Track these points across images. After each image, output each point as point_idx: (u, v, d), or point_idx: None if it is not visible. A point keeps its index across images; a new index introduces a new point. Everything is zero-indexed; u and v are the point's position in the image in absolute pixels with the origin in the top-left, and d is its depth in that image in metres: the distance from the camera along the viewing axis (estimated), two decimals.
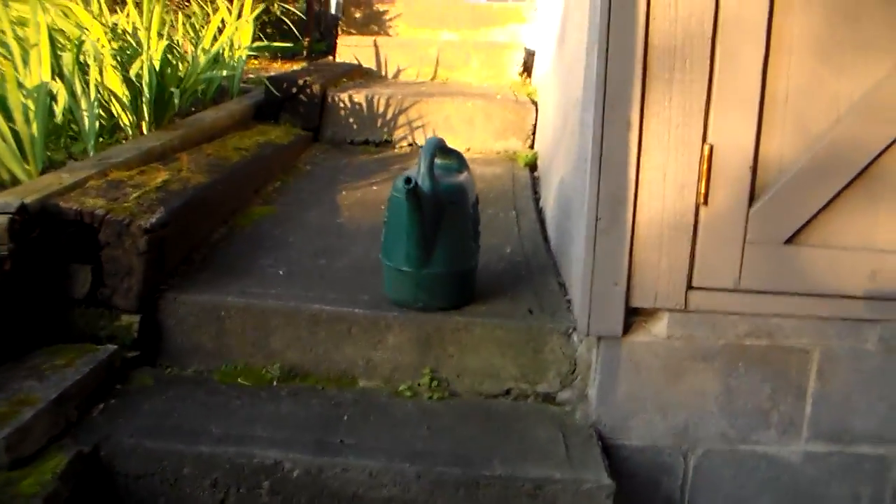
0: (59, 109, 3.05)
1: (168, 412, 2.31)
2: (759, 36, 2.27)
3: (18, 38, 3.09)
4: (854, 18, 2.28)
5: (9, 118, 2.78)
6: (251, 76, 4.66)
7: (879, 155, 2.34)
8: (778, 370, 2.45)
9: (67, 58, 3.21)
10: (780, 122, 2.32)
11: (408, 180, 2.34)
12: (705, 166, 2.31)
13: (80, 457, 2.09)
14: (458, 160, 2.64)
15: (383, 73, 5.50)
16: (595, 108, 2.30)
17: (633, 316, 2.43)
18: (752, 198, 2.35)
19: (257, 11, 4.75)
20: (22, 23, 3.27)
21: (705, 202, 2.34)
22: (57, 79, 3.12)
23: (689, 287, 2.39)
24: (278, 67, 5.43)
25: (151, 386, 2.46)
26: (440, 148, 2.54)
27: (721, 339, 2.42)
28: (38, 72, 2.97)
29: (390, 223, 2.57)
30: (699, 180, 2.32)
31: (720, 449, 2.49)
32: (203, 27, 4.53)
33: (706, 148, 2.31)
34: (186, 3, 4.90)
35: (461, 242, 2.57)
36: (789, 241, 2.38)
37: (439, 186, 2.46)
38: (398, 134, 4.46)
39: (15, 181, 2.79)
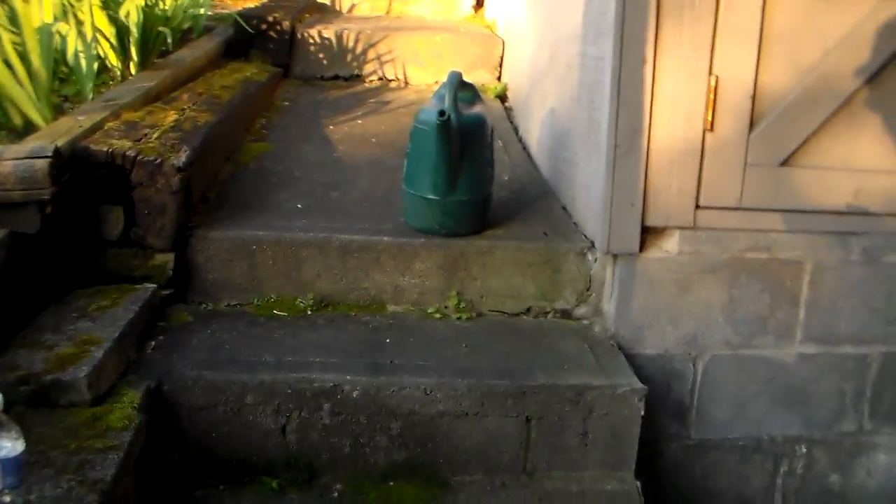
0: (70, 51, 3.06)
1: (217, 345, 2.43)
2: None
3: None
4: None
5: (23, 62, 2.80)
6: (209, 12, 4.65)
7: (862, 85, 2.58)
8: (775, 280, 2.69)
9: None
10: (776, 56, 2.54)
11: (441, 113, 2.48)
12: (712, 96, 2.52)
13: (149, 392, 2.20)
14: (472, 92, 2.77)
15: (337, 7, 5.51)
16: (613, 47, 2.47)
17: (647, 234, 2.63)
18: (751, 125, 2.57)
19: None
20: None
21: (711, 129, 2.55)
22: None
23: (697, 206, 2.61)
24: (232, 3, 5.41)
25: (191, 322, 2.57)
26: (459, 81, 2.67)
27: (725, 253, 2.65)
28: (40, 13, 2.98)
29: (414, 154, 2.71)
30: (706, 109, 2.53)
31: (725, 354, 2.73)
32: None
33: (712, 79, 2.51)
34: None
35: (482, 170, 2.74)
36: (784, 163, 2.61)
37: (463, 118, 2.61)
38: (367, 68, 4.53)
39: (28, 125, 2.81)
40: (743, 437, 2.81)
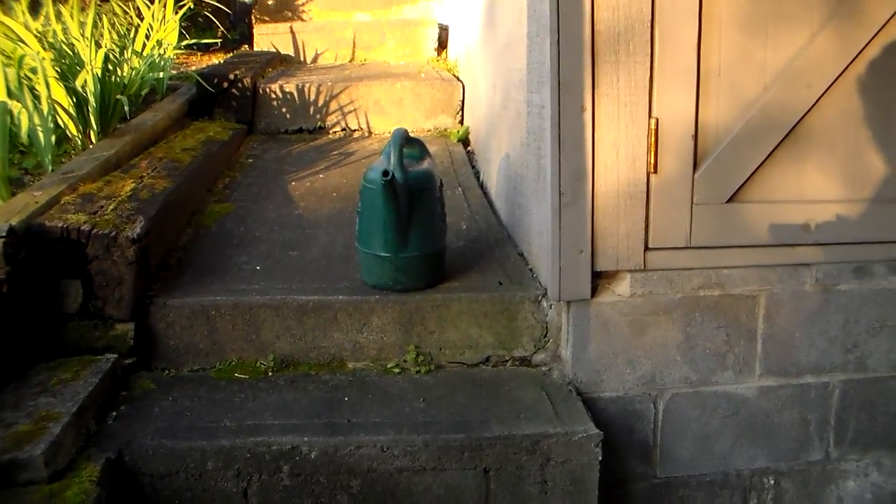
0: (24, 128, 3.10)
1: (178, 412, 2.45)
2: (692, 15, 2.50)
3: None
4: None
5: None
6: (173, 72, 4.72)
7: (803, 117, 2.62)
8: (730, 316, 2.71)
9: (10, 73, 3.26)
10: (715, 94, 2.57)
11: (385, 173, 2.52)
12: (653, 139, 2.55)
13: (109, 463, 2.22)
14: (419, 148, 2.81)
15: (302, 58, 5.60)
16: (551, 96, 2.50)
17: (598, 279, 2.66)
18: (695, 164, 2.60)
19: (183, 12, 4.81)
20: None
21: (655, 171, 2.57)
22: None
23: (647, 248, 2.63)
24: (197, 61, 5.47)
25: (154, 389, 2.59)
26: (405, 138, 2.71)
27: (678, 292, 2.67)
28: None
29: (364, 213, 2.73)
30: (648, 152, 2.55)
31: (685, 392, 2.75)
32: (129, 28, 4.58)
33: (652, 122, 2.54)
34: (101, 2, 4.92)
35: (433, 225, 2.77)
36: (731, 199, 2.63)
37: (409, 175, 2.64)
38: (330, 120, 4.60)
39: None
40: (709, 472, 2.82)
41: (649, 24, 2.49)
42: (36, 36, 3.69)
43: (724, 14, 2.53)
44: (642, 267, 2.63)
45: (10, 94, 3.19)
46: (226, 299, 2.71)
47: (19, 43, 3.60)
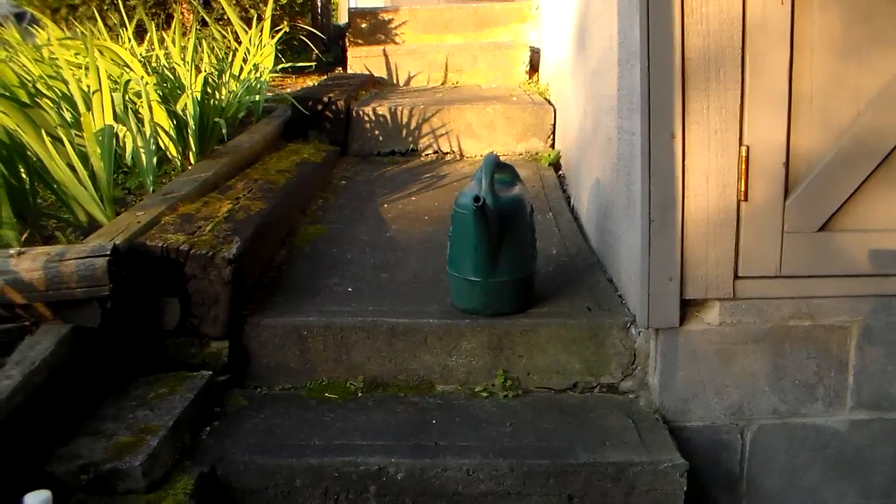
0: (128, 150, 3.22)
1: (270, 429, 2.51)
2: (784, 40, 2.49)
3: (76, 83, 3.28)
4: (867, 17, 2.51)
5: (85, 164, 2.96)
6: (268, 94, 4.84)
7: None
8: (821, 347, 2.67)
9: (117, 98, 3.38)
10: (807, 120, 2.54)
11: (476, 199, 2.55)
12: (743, 166, 2.53)
13: (202, 477, 2.29)
14: (510, 174, 2.84)
15: (395, 80, 5.69)
16: (641, 123, 2.51)
17: (687, 307, 2.65)
18: (786, 191, 2.57)
19: (279, 36, 4.94)
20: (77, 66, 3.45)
21: (745, 198, 2.56)
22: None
23: (736, 277, 2.61)
24: (292, 83, 5.59)
25: (246, 406, 2.66)
26: (496, 164, 2.74)
27: (768, 322, 2.64)
28: (102, 116, 3.14)
29: (455, 237, 2.77)
30: (739, 179, 2.54)
31: (773, 423, 2.71)
32: (227, 52, 4.72)
33: (743, 149, 2.53)
34: (201, 28, 5.08)
35: (523, 250, 2.79)
36: (823, 227, 2.60)
37: (500, 201, 2.67)
38: (423, 143, 4.66)
39: (92, 222, 2.96)
40: None
41: (740, 51, 2.48)
42: (140, 61, 3.83)
43: (817, 40, 2.50)
44: (732, 295, 2.62)
45: (116, 117, 3.31)
46: (318, 320, 2.77)
47: (125, 68, 3.74)
